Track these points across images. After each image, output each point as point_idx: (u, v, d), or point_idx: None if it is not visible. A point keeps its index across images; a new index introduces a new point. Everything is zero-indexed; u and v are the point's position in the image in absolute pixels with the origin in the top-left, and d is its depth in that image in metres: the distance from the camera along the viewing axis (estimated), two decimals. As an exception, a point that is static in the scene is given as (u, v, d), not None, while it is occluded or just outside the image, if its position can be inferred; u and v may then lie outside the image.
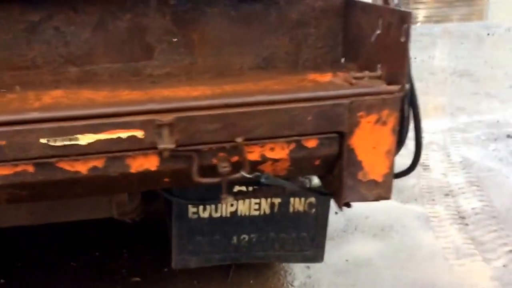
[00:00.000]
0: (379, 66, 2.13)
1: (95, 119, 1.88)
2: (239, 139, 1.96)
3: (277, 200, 3.10)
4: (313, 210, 3.20)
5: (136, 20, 2.39)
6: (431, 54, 10.81)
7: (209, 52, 2.47)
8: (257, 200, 3.06)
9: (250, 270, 3.87)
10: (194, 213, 3.03)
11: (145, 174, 2.01)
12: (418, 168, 5.32)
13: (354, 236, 4.33)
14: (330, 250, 4.12)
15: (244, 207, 3.08)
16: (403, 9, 2.02)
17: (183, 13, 2.42)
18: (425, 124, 6.77)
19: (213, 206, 3.00)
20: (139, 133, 1.91)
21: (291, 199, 3.15)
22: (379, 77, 2.12)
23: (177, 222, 3.04)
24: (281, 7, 2.48)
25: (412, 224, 4.44)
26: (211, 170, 2.03)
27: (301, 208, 3.20)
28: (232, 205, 3.04)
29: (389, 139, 2.08)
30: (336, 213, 4.61)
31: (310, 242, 3.25)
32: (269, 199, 3.08)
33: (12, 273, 3.81)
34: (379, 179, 2.12)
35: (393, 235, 4.30)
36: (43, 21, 2.32)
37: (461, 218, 4.49)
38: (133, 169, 1.98)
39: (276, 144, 2.04)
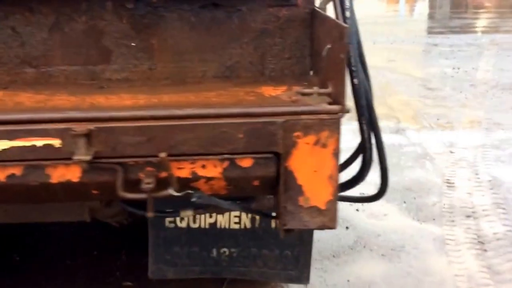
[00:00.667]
0: (329, 83, 1.96)
1: (9, 125, 1.81)
2: (162, 154, 1.84)
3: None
4: (296, 227, 3.04)
5: (92, 22, 2.32)
6: (475, 66, 10.28)
7: (170, 58, 2.37)
8: (237, 213, 2.93)
9: (245, 283, 3.74)
10: (171, 222, 2.93)
11: (69, 185, 1.93)
12: (442, 186, 5.09)
13: (361, 254, 4.10)
14: (333, 268, 3.93)
15: (224, 219, 2.95)
16: (341, 23, 1.84)
17: (141, 17, 2.33)
18: (457, 138, 6.44)
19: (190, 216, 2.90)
20: (56, 142, 1.82)
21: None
22: (329, 95, 1.94)
23: (154, 230, 2.95)
24: (244, 14, 2.35)
25: (426, 246, 4.17)
26: (138, 185, 1.93)
27: (283, 225, 3.05)
28: (211, 216, 2.92)
29: (331, 163, 1.90)
30: (346, 227, 4.42)
31: (294, 261, 3.08)
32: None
33: (10, 267, 3.84)
34: (322, 206, 1.95)
35: (402, 256, 4.05)
36: (-1, 20, 2.29)
37: (480, 243, 4.17)
38: (54, 179, 1.90)
39: (208, 161, 1.90)
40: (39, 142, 1.82)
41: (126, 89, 2.24)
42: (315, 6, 2.35)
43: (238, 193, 2.10)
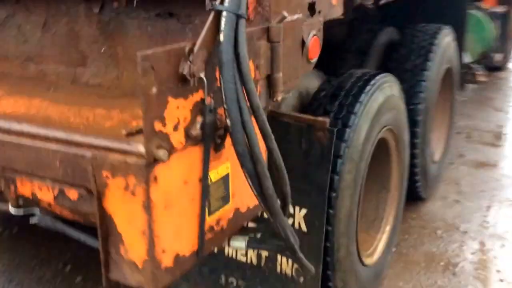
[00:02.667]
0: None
1: None
2: (-4, 168, 1.77)
3: (264, 253, 2.61)
4: (302, 278, 2.58)
5: (71, 25, 2.32)
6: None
7: (134, 66, 2.22)
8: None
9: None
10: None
11: None
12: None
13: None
14: None
15: (231, 249, 2.69)
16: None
17: (107, 23, 2.24)
18: None
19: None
20: None
21: (278, 257, 2.62)
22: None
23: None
24: (197, 27, 2.05)
25: None
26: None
27: (288, 271, 2.63)
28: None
29: (141, 217, 1.56)
30: None
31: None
32: (255, 249, 2.62)
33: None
34: (139, 263, 1.62)
35: None
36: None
37: None
38: None
39: (43, 184, 1.76)
40: None
41: (52, 94, 2.18)
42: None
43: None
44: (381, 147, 3.43)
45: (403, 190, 3.71)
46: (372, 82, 3.03)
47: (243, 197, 1.93)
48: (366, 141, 2.88)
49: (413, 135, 4.02)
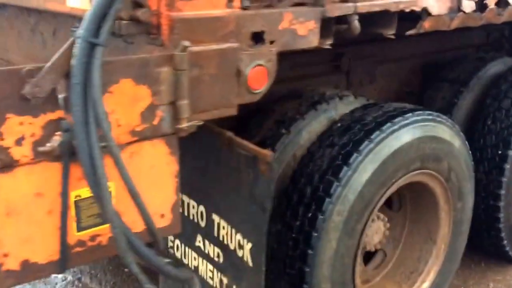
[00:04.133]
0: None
1: None
2: None
3: (225, 279, 2.59)
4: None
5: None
6: None
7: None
8: (211, 267, 2.65)
9: None
10: (170, 247, 2.89)
11: None
12: None
13: None
14: None
15: (203, 268, 2.72)
16: None
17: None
18: None
19: (185, 250, 2.79)
20: None
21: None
22: None
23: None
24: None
25: None
26: None
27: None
28: (195, 259, 2.74)
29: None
30: None
31: None
32: (219, 274, 2.61)
33: None
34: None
35: None
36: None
37: None
38: None
39: None
40: None
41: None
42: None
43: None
44: (422, 193, 3.12)
45: (456, 245, 3.31)
46: (397, 119, 2.78)
47: (132, 218, 1.95)
48: (370, 183, 2.65)
49: (497, 185, 3.56)
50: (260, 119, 3.08)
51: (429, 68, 4.16)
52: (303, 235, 2.62)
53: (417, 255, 3.28)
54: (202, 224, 2.62)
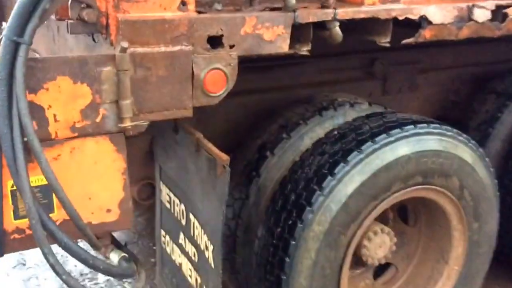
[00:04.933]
0: None
1: None
2: None
3: (199, 278, 2.62)
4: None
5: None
6: None
7: None
8: (191, 266, 2.69)
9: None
10: (164, 242, 2.96)
11: None
12: None
13: None
14: None
15: (184, 266, 2.76)
16: None
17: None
18: None
19: (173, 247, 2.85)
20: None
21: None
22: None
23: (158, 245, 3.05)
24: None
25: None
26: None
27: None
28: (179, 256, 2.79)
29: None
30: None
31: None
32: (195, 272, 2.64)
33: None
34: None
35: None
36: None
37: None
38: None
39: None
40: None
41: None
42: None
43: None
44: (434, 210, 2.95)
45: (472, 268, 3.09)
46: (394, 131, 2.66)
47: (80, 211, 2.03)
48: (358, 195, 2.56)
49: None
50: (267, 123, 3.07)
51: (479, 78, 3.90)
52: (282, 242, 2.58)
53: (428, 274, 3.10)
54: (183, 222, 2.65)
